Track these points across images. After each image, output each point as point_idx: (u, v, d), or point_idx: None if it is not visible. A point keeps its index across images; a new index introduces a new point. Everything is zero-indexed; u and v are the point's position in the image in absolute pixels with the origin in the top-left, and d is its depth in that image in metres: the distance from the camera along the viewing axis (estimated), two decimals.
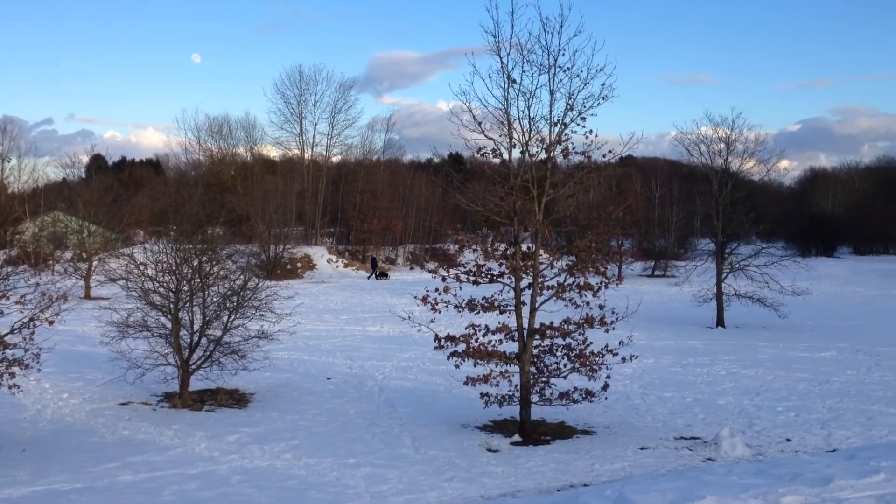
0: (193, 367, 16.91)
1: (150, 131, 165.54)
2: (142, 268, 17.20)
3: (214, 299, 17.29)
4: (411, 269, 58.94)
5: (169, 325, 16.88)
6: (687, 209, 58.25)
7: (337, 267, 57.49)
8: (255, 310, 17.41)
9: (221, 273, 17.95)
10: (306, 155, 67.78)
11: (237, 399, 16.98)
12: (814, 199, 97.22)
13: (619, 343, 14.55)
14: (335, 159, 70.16)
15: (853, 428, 14.97)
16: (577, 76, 14.01)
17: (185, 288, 16.98)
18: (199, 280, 17.11)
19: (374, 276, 54.37)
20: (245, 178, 66.59)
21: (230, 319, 17.10)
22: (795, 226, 71.75)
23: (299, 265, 55.36)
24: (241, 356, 17.01)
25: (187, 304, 17.03)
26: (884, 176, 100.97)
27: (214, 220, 56.98)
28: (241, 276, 18.50)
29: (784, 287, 29.09)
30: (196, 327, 17.02)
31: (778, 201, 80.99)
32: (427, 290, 14.25)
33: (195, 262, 17.30)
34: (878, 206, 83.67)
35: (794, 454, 13.12)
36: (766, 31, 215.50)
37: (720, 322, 29.91)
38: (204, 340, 17.04)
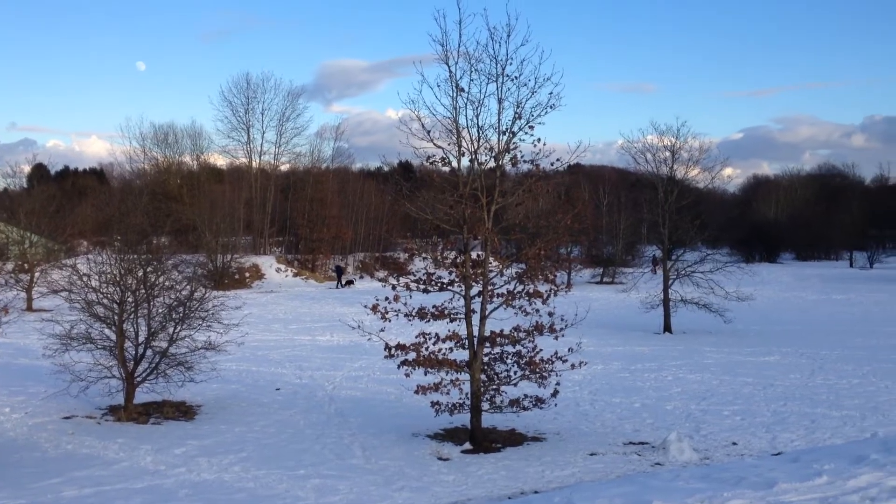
0: (139, 379, 16.64)
1: (94, 140, 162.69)
2: (85, 279, 16.89)
3: (160, 310, 17.04)
4: (361, 277, 58.69)
5: (113, 336, 16.59)
6: (634, 216, 58.89)
7: (286, 276, 56.99)
8: (202, 321, 17.20)
9: (167, 284, 17.69)
10: (254, 163, 67.00)
11: (184, 411, 16.72)
12: (757, 206, 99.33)
13: (569, 350, 14.63)
14: (283, 168, 69.49)
15: (797, 431, 15.27)
16: (525, 85, 14.15)
17: (130, 299, 16.71)
18: (144, 291, 16.85)
19: (339, 285, 54.26)
20: (191, 187, 65.66)
21: (176, 331, 16.87)
22: (739, 232, 73.13)
23: (247, 275, 54.77)
24: (188, 368, 16.79)
25: (132, 316, 16.76)
26: (824, 183, 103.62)
27: (160, 230, 56.08)
28: (188, 287, 18.26)
29: (729, 293, 29.53)
30: (141, 339, 16.75)
31: (722, 208, 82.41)
32: (377, 299, 14.21)
33: (140, 273, 17.03)
34: (819, 212, 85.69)
35: (739, 458, 13.32)
36: (708, 40, 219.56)
37: (667, 328, 30.29)
38: (149, 352, 16.79)
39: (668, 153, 31.96)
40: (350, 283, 54.78)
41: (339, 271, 56.58)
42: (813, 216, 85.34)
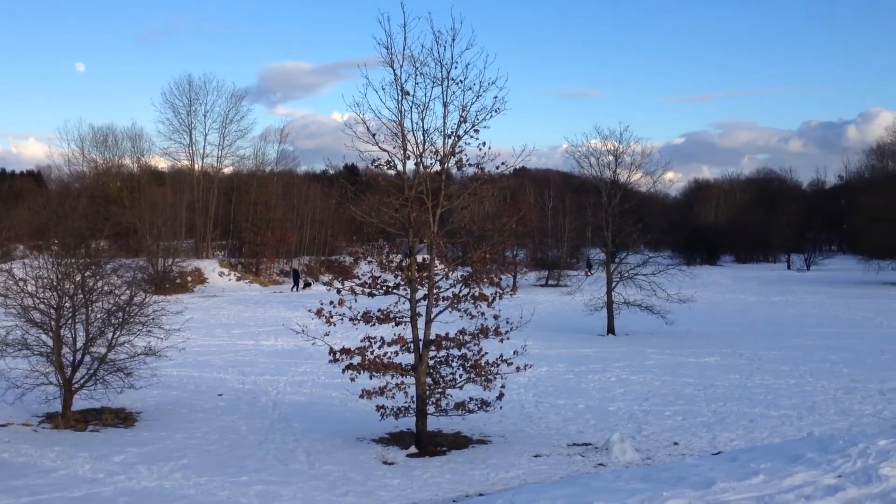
0: (77, 385, 16.29)
1: (32, 142, 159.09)
2: (21, 284, 16.47)
3: (99, 315, 16.71)
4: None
5: (50, 342, 16.22)
6: (579, 220, 59.47)
7: (229, 280, 56.33)
8: (142, 326, 16.90)
9: (106, 288, 17.33)
10: (196, 166, 66.11)
11: (123, 418, 16.41)
12: (698, 209, 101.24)
13: (514, 353, 14.69)
14: (227, 171, 68.71)
15: (736, 430, 15.55)
16: (470, 89, 14.16)
17: (68, 304, 16.34)
18: (82, 296, 16.50)
19: (296, 288, 53.83)
20: (132, 190, 64.50)
21: (115, 336, 16.54)
22: (681, 236, 74.49)
23: (189, 279, 53.99)
24: (128, 374, 16.50)
25: (70, 321, 16.40)
26: (763, 187, 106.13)
27: (99, 234, 55.02)
28: (127, 291, 17.92)
29: (670, 295, 29.91)
30: (79, 345, 16.40)
31: (664, 212, 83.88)
32: (321, 303, 14.11)
33: (78, 278, 16.67)
34: (757, 215, 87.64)
35: (680, 457, 13.50)
36: (651, 46, 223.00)
37: (611, 330, 30.59)
38: (88, 358, 16.44)
39: (611, 157, 32.38)
40: (308, 285, 54.40)
41: (296, 275, 56.15)
42: (752, 220, 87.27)
